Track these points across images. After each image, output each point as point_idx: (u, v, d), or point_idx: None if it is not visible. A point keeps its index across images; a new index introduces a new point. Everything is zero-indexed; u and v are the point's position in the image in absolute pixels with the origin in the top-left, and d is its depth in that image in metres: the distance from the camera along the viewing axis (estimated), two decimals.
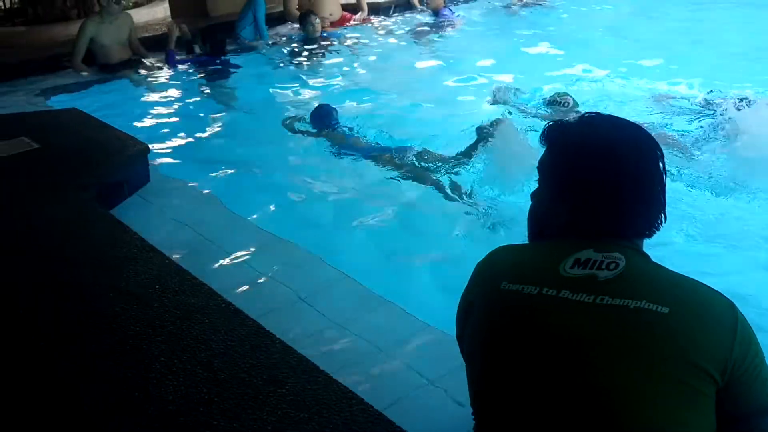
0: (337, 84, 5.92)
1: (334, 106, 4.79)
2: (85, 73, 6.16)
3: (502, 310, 1.39)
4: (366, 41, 7.21)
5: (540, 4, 8.22)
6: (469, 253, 2.89)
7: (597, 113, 1.51)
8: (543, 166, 1.49)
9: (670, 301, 1.27)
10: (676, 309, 1.26)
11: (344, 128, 4.59)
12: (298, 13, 7.39)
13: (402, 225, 3.41)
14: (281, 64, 6.53)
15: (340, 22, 7.58)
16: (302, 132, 4.67)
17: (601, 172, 1.38)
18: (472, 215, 3.47)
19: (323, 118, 4.67)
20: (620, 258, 1.34)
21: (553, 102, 4.73)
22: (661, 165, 1.42)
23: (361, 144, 4.36)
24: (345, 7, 7.77)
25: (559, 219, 1.44)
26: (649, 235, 1.44)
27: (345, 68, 6.31)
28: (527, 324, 1.34)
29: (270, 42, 7.05)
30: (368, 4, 7.92)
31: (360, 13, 7.77)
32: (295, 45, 7.03)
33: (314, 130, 4.63)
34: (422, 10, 8.04)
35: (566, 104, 4.65)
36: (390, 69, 6.22)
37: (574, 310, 1.30)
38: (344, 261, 2.92)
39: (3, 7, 11.66)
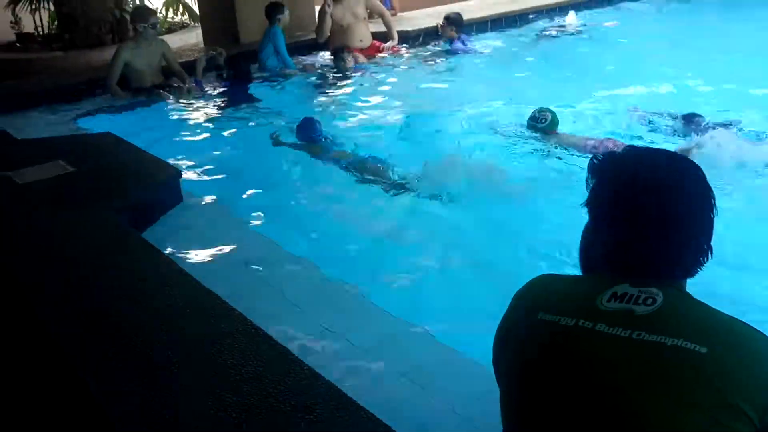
0: (362, 112, 5.98)
1: (317, 119, 5.04)
2: (120, 97, 6.26)
3: (538, 340, 1.39)
4: (394, 70, 7.26)
5: (570, 33, 8.21)
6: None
7: (647, 147, 1.52)
8: (590, 198, 1.48)
9: (709, 341, 1.25)
10: (714, 349, 1.24)
11: (327, 139, 4.84)
12: (328, 34, 7.47)
13: (437, 254, 3.41)
14: (309, 92, 6.61)
15: (370, 50, 7.66)
16: (287, 144, 4.90)
17: (646, 209, 1.37)
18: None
19: (306, 130, 4.89)
20: (657, 294, 1.33)
21: (532, 118, 4.87)
22: (711, 202, 1.39)
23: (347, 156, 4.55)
24: (375, 36, 7.85)
25: (601, 252, 1.44)
26: (692, 275, 1.42)
27: (371, 97, 6.36)
28: (562, 355, 1.34)
29: (299, 68, 7.14)
30: (397, 32, 8.00)
31: (390, 42, 7.85)
32: (323, 73, 7.11)
33: (299, 142, 4.86)
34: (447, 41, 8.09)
35: (544, 120, 4.77)
36: (414, 97, 6.25)
37: (609, 343, 1.29)
38: (370, 287, 2.94)
39: (41, 33, 11.98)
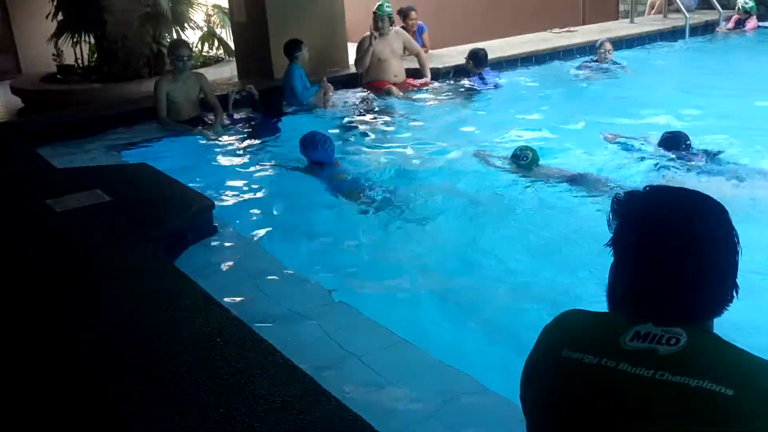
0: (383, 143, 6.08)
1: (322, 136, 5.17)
2: (172, 128, 6.41)
3: (562, 377, 1.39)
4: (425, 104, 7.35)
5: (609, 72, 8.21)
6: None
7: (669, 186, 1.50)
8: (613, 239, 1.47)
9: (735, 383, 1.23)
10: (741, 391, 1.22)
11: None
12: (367, 66, 7.63)
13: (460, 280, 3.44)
14: (339, 127, 6.69)
15: (403, 85, 7.77)
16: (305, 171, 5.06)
17: (670, 251, 1.35)
18: None
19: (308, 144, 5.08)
20: (681, 334, 1.31)
21: (514, 156, 5.04)
22: (735, 242, 1.38)
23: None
24: (409, 72, 7.98)
25: (625, 291, 1.43)
26: (718, 314, 1.40)
27: (398, 131, 6.44)
28: (585, 394, 1.34)
29: (329, 105, 7.25)
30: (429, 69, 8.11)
31: (423, 78, 7.96)
32: (351, 107, 7.22)
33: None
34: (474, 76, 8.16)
35: (525, 158, 4.97)
36: (443, 131, 6.32)
37: (632, 383, 1.28)
38: (400, 320, 2.96)
39: (81, 65, 12.31)
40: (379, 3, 7.73)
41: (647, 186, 1.49)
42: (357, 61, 7.78)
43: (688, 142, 4.97)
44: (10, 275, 3.60)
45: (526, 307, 3.12)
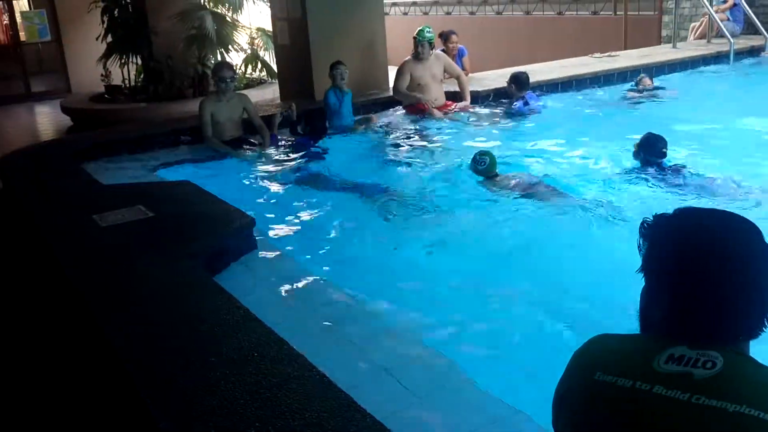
0: (419, 164, 6.11)
1: None
2: (218, 147, 6.51)
3: (595, 401, 1.38)
4: (465, 127, 7.36)
5: (656, 98, 8.16)
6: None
7: (701, 208, 1.48)
8: (645, 263, 1.46)
9: None
10: None
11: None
12: (405, 89, 7.68)
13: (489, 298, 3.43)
14: (381, 148, 6.75)
15: (443, 108, 7.80)
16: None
17: (705, 274, 1.34)
18: None
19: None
20: (717, 357, 1.30)
21: (474, 161, 5.32)
22: None
23: None
24: (448, 95, 8.01)
25: (659, 315, 1.42)
26: (754, 337, 1.38)
27: (436, 152, 6.47)
28: (619, 417, 1.32)
29: (362, 127, 7.31)
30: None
31: (463, 102, 7.98)
32: (395, 131, 7.27)
33: None
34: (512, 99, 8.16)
35: (483, 163, 5.23)
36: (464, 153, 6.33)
37: (667, 406, 1.27)
38: (433, 334, 2.98)
39: (127, 85, 12.62)
40: (420, 28, 7.78)
41: (676, 209, 1.47)
42: (395, 87, 7.81)
43: (665, 150, 5.15)
44: (56, 286, 3.69)
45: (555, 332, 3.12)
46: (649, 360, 1.34)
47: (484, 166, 5.20)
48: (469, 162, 5.35)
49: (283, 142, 6.83)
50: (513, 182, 5.11)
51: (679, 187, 4.88)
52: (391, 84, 8.41)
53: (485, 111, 7.96)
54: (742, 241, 1.37)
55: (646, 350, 1.37)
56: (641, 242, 1.47)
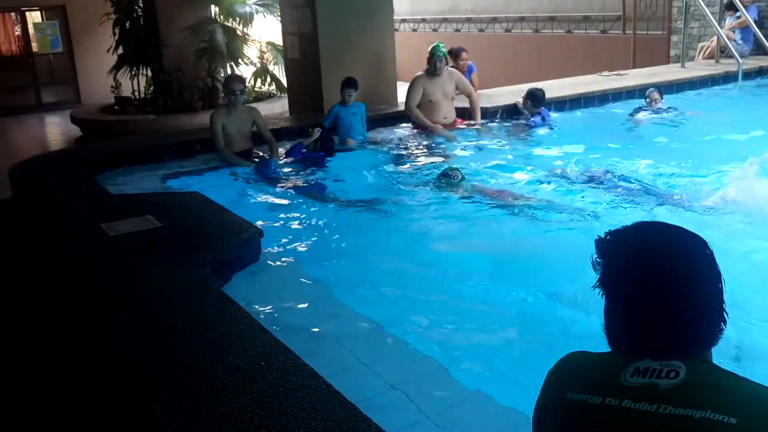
0: (423, 179, 6.09)
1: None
2: (231, 159, 6.53)
3: (569, 421, 1.41)
4: (473, 145, 7.38)
5: (668, 118, 8.16)
6: None
7: (651, 222, 1.51)
8: (601, 279, 1.49)
9: (738, 412, 1.24)
10: (744, 420, 1.23)
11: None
12: (418, 111, 7.70)
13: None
14: (389, 163, 6.76)
15: (452, 126, 7.82)
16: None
17: (657, 288, 1.37)
18: None
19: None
20: (680, 366, 1.33)
21: (444, 175, 5.66)
22: (718, 271, 1.40)
23: None
24: (458, 112, 8.02)
25: (620, 330, 1.45)
26: (713, 344, 1.41)
27: (431, 166, 6.49)
28: None
29: (373, 140, 7.34)
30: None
31: (473, 120, 7.99)
32: (403, 146, 7.30)
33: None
34: (529, 116, 8.18)
35: (455, 177, 5.61)
36: (491, 167, 6.35)
37: (637, 419, 1.30)
38: (439, 349, 2.98)
39: (137, 97, 12.72)
40: (435, 44, 7.79)
41: (630, 225, 1.50)
42: (407, 105, 7.80)
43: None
44: (64, 294, 3.71)
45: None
46: (616, 375, 1.37)
47: (456, 180, 5.57)
48: (438, 176, 5.70)
49: (293, 156, 6.84)
50: (488, 191, 5.51)
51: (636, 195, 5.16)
52: (400, 99, 8.45)
53: (498, 126, 7.97)
54: (690, 254, 1.41)
55: (612, 366, 1.40)
56: (596, 259, 1.50)
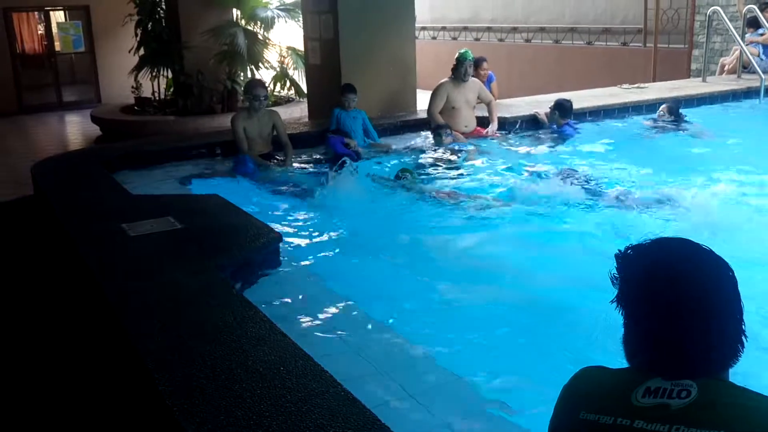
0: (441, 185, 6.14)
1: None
2: (256, 162, 6.56)
3: None
4: (491, 153, 7.37)
5: (680, 130, 8.13)
6: None
7: (672, 238, 1.49)
8: (619, 295, 1.47)
9: (754, 430, 1.23)
10: None
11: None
12: (440, 117, 7.72)
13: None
14: (402, 168, 6.76)
15: (472, 134, 7.82)
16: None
17: (675, 304, 1.36)
18: None
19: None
20: (691, 385, 1.32)
21: (396, 177, 6.08)
22: (738, 292, 1.38)
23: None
24: (478, 120, 8.03)
25: (635, 346, 1.44)
26: (730, 366, 1.40)
27: (462, 175, 6.48)
28: None
29: (392, 147, 7.35)
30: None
31: (491, 126, 7.99)
32: (421, 153, 7.30)
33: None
34: (548, 126, 8.16)
35: (406, 177, 6.05)
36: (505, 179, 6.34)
37: None
38: (454, 358, 2.98)
39: (157, 98, 12.81)
40: (463, 50, 7.81)
41: (650, 240, 1.49)
42: (430, 110, 7.81)
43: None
44: (85, 293, 3.73)
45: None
46: (628, 395, 1.36)
47: (408, 179, 6.06)
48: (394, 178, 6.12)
49: (311, 161, 6.85)
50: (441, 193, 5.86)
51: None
52: (420, 107, 8.46)
53: (518, 137, 7.96)
54: (708, 273, 1.39)
55: (625, 385, 1.39)
56: (614, 273, 1.48)
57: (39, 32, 17.00)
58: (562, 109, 7.81)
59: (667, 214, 5.04)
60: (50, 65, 16.79)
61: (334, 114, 7.34)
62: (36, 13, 16.71)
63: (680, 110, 8.37)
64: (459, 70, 7.70)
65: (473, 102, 7.89)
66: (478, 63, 9.00)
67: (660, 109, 8.31)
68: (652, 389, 1.34)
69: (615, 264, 1.48)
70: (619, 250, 1.49)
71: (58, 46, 16.92)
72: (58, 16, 17.09)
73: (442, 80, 7.86)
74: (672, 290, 1.37)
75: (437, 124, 7.40)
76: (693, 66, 11.96)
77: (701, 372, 1.35)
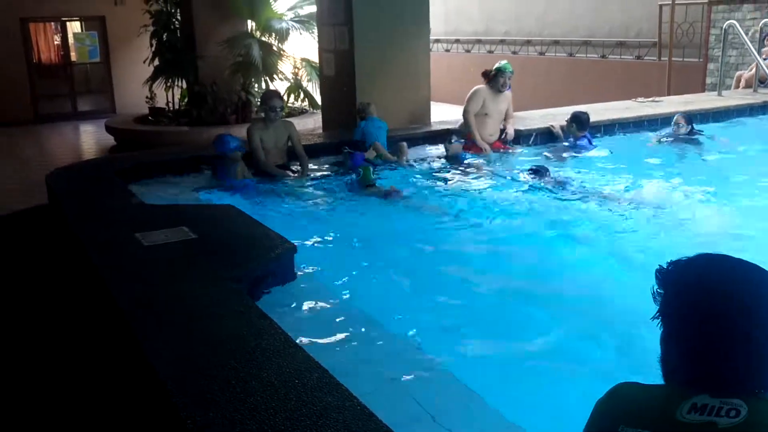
0: (468, 200, 6.09)
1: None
2: (273, 172, 6.58)
3: None
4: (505, 164, 7.34)
5: (690, 142, 8.08)
6: None
7: (715, 254, 1.46)
8: (662, 310, 1.45)
9: None
10: None
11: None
12: (474, 121, 7.70)
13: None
14: (421, 179, 6.76)
15: (494, 146, 7.78)
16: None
17: (724, 321, 1.33)
18: None
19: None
20: (741, 405, 1.28)
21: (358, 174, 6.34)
22: None
23: None
24: None
25: (678, 363, 1.41)
26: None
27: (475, 187, 6.45)
28: None
29: (403, 160, 7.33)
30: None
31: (505, 133, 7.94)
32: (437, 163, 7.29)
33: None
34: (563, 139, 8.12)
35: (359, 174, 6.28)
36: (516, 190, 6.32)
37: None
38: (477, 376, 2.94)
39: (171, 108, 12.86)
40: (504, 62, 7.81)
41: (693, 256, 1.46)
42: (466, 109, 7.76)
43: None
44: (98, 302, 3.72)
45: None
46: (672, 410, 1.32)
47: (359, 177, 6.27)
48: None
49: (326, 172, 6.84)
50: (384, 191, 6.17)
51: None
52: (434, 119, 8.45)
53: (533, 150, 7.93)
54: (757, 287, 1.37)
55: (667, 400, 1.36)
56: (656, 288, 1.45)
57: (55, 42, 17.13)
58: (579, 121, 7.77)
59: (696, 230, 4.98)
60: (66, 75, 16.91)
61: (360, 126, 7.33)
62: (53, 23, 16.85)
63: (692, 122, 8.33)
64: (497, 80, 7.69)
65: (503, 114, 7.89)
66: None
67: (675, 119, 8.24)
68: (698, 406, 1.31)
69: (656, 280, 1.45)
70: (660, 266, 1.46)
71: (73, 56, 17.06)
72: (74, 27, 17.22)
73: (479, 86, 7.83)
74: (721, 304, 1.34)
75: (451, 131, 7.36)
76: (708, 80, 11.90)
77: (749, 389, 1.32)
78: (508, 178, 6.72)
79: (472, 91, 7.83)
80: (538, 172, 6.48)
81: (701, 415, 1.29)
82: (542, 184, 6.26)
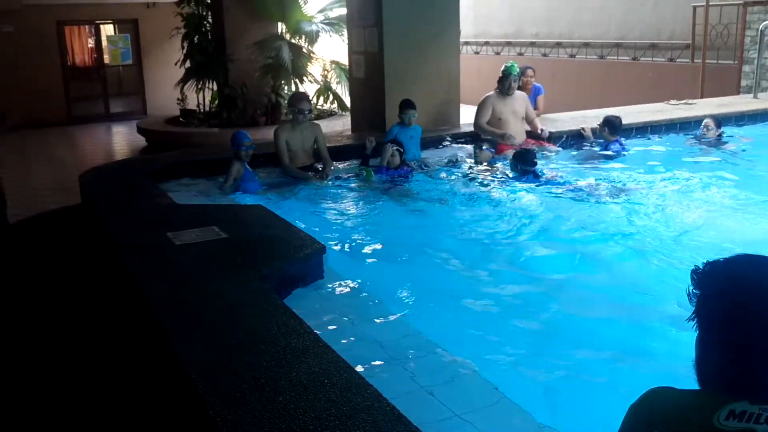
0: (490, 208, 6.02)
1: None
2: (296, 174, 6.59)
3: None
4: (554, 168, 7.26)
5: (720, 146, 7.95)
6: None
7: (754, 255, 1.42)
8: (698, 312, 1.41)
9: None
10: None
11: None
12: (488, 127, 7.67)
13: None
14: (446, 183, 6.71)
15: (523, 146, 7.71)
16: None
17: (755, 324, 1.30)
18: None
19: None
20: None
21: (357, 175, 6.72)
22: None
23: None
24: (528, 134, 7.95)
25: (715, 368, 1.38)
26: None
27: (497, 192, 6.40)
28: None
29: (425, 163, 7.30)
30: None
31: (540, 130, 7.85)
32: (462, 167, 7.25)
33: None
34: (593, 142, 8.05)
35: (362, 174, 6.66)
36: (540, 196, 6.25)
37: None
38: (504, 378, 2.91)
39: (202, 110, 12.98)
40: (510, 64, 7.79)
41: (730, 257, 1.42)
42: (476, 123, 7.77)
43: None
44: (130, 301, 3.76)
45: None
46: (709, 417, 1.29)
47: (363, 175, 6.63)
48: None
49: (354, 173, 6.84)
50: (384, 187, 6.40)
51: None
52: (463, 121, 8.40)
53: (565, 152, 7.86)
54: None
55: (704, 406, 1.33)
56: (692, 291, 1.42)
57: (89, 45, 17.40)
58: (611, 125, 7.68)
59: (731, 236, 4.90)
60: (99, 77, 17.17)
61: (393, 131, 7.30)
62: (87, 26, 17.10)
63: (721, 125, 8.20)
64: (504, 84, 7.68)
65: (521, 114, 7.83)
66: (522, 71, 8.86)
67: (704, 123, 8.11)
68: (737, 412, 1.28)
69: (692, 281, 1.42)
70: (697, 266, 1.43)
71: (107, 58, 17.31)
72: (107, 30, 17.48)
73: (489, 93, 7.85)
74: (762, 306, 1.31)
75: (477, 139, 7.35)
76: (743, 82, 11.70)
77: None
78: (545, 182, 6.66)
79: (480, 101, 7.84)
80: (528, 171, 6.47)
81: (740, 422, 1.26)
82: (573, 186, 6.22)
